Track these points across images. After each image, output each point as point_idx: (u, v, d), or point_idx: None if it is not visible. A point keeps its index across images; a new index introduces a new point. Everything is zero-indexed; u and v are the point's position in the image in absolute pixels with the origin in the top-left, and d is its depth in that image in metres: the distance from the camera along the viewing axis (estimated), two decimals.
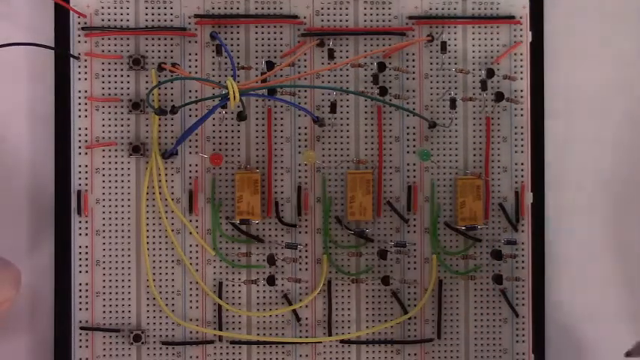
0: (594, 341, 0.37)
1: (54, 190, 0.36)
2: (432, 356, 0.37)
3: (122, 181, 0.36)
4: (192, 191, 0.36)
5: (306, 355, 0.37)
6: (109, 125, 0.36)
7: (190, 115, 0.37)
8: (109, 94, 0.36)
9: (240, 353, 0.37)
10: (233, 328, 0.37)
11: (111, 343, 0.36)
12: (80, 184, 0.36)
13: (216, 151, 0.37)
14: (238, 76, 0.36)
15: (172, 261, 0.36)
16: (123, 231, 0.36)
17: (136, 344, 0.36)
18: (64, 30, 0.36)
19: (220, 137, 0.37)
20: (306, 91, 0.37)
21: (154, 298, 0.36)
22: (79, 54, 0.36)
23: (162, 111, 0.36)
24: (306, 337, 0.37)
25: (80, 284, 0.36)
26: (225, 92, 0.33)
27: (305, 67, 0.37)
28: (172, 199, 0.36)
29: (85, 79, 0.36)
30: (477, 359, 0.37)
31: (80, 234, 0.36)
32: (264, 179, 0.36)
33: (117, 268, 0.36)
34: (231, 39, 0.37)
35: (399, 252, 0.37)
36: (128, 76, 0.36)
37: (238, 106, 0.33)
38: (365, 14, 0.37)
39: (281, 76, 0.36)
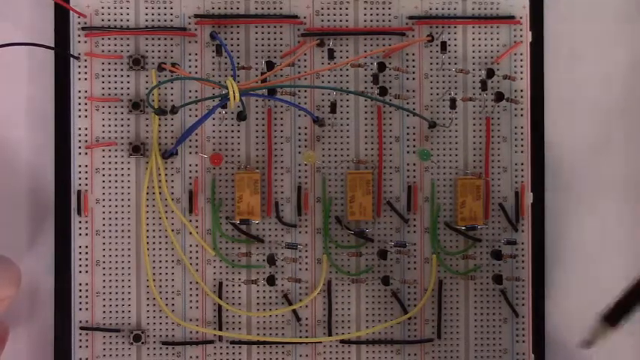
0: None
1: (54, 190, 0.36)
2: (432, 356, 0.37)
3: (122, 181, 0.36)
4: (192, 191, 0.36)
5: (306, 355, 0.37)
6: (109, 125, 0.36)
7: (190, 115, 0.37)
8: (109, 94, 0.36)
9: (240, 353, 0.37)
10: (233, 328, 0.37)
11: (111, 343, 0.36)
12: (80, 184, 0.36)
13: (216, 151, 0.37)
14: (238, 76, 0.36)
15: (172, 261, 0.36)
16: (123, 231, 0.36)
17: (136, 344, 0.36)
18: (64, 30, 0.36)
19: (220, 137, 0.37)
20: (306, 91, 0.37)
21: (154, 298, 0.36)
22: (79, 54, 0.36)
23: (162, 111, 0.36)
24: (306, 337, 0.37)
25: (80, 284, 0.36)
26: (225, 92, 0.33)
27: (305, 67, 0.37)
28: (172, 199, 0.36)
29: (85, 79, 0.36)
30: (476, 359, 0.37)
31: (80, 234, 0.36)
32: (264, 179, 0.36)
33: (117, 268, 0.36)
34: (231, 39, 0.37)
35: (399, 252, 0.37)
36: (128, 76, 0.36)
37: (238, 106, 0.33)
38: (365, 14, 0.37)
39: (281, 76, 0.36)
